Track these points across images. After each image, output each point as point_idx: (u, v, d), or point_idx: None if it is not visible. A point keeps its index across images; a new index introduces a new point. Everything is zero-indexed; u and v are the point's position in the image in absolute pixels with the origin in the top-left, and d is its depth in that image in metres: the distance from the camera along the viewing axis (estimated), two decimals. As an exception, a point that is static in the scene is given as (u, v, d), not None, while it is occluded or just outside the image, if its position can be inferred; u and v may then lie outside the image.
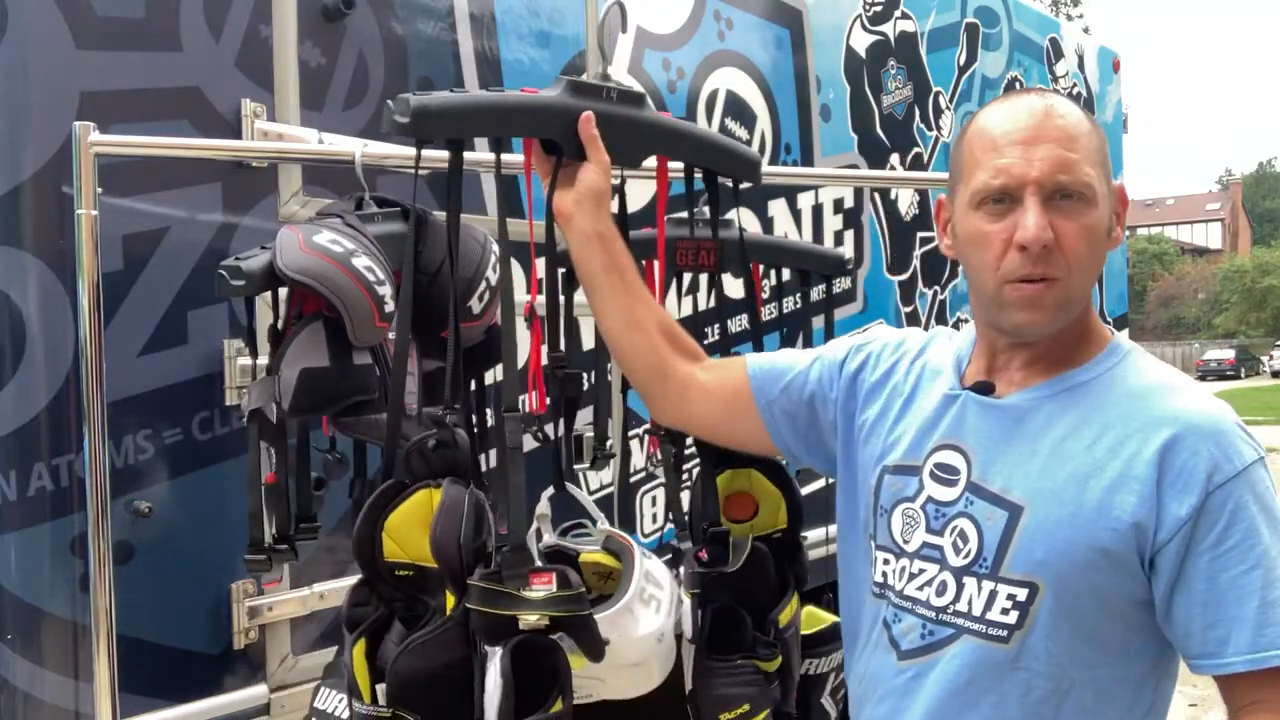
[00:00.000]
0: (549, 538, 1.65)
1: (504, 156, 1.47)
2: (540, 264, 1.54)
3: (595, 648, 1.41)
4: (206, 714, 1.82)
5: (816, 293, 2.19)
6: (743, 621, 1.65)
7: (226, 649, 1.87)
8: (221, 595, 1.87)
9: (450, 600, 1.40)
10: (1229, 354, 37.95)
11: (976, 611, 1.18)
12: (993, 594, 1.17)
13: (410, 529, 1.41)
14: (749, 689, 1.60)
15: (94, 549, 1.55)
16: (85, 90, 1.71)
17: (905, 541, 1.27)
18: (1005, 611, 1.16)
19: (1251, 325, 45.22)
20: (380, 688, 1.40)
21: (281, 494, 1.65)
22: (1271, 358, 38.32)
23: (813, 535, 1.96)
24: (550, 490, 1.70)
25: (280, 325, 1.64)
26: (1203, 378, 35.73)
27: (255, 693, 1.90)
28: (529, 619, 1.33)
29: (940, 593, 1.22)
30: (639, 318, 1.47)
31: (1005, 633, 1.16)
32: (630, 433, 2.35)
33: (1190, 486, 1.11)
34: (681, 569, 1.65)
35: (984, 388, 1.25)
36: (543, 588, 1.36)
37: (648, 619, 1.51)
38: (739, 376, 1.47)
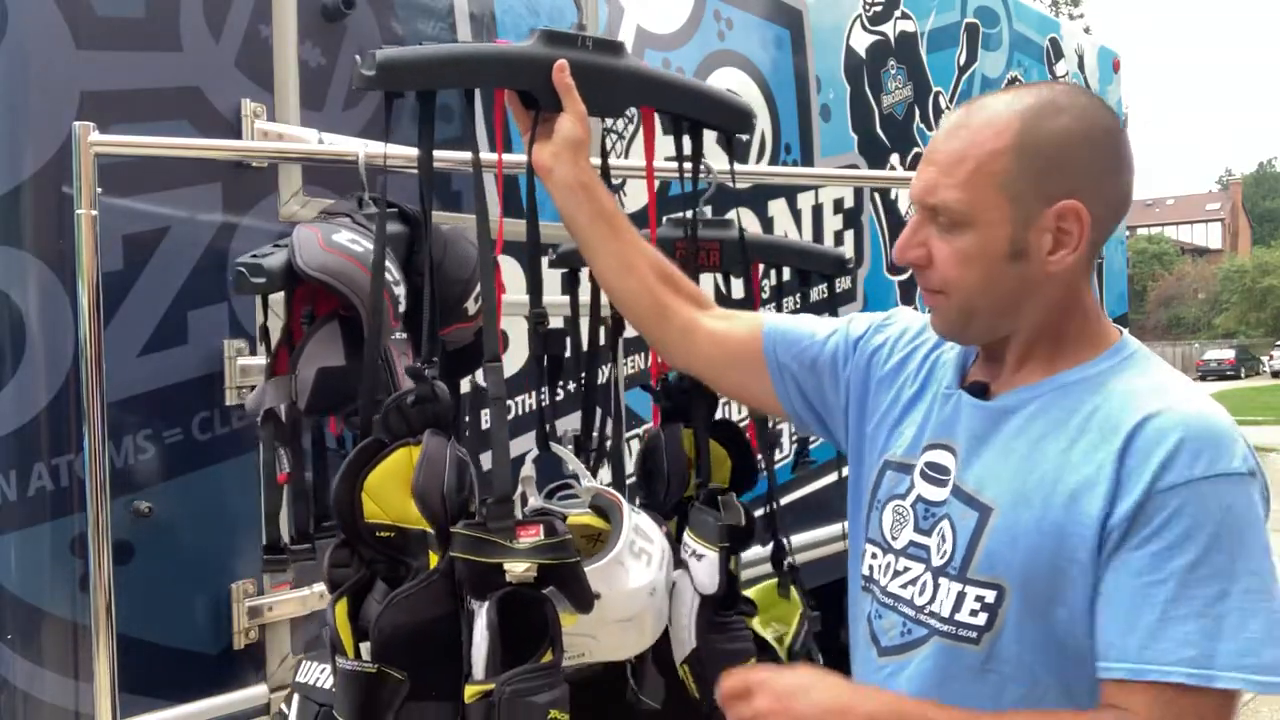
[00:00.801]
0: (534, 501, 1.64)
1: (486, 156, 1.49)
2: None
3: (584, 598, 1.39)
4: (206, 714, 1.82)
5: (817, 293, 2.19)
6: (735, 579, 1.68)
7: (226, 649, 1.87)
8: (221, 595, 1.87)
9: (434, 559, 1.39)
10: (1229, 354, 37.95)
11: (945, 613, 1.18)
12: (961, 595, 1.16)
13: (390, 488, 1.39)
14: (750, 645, 1.65)
15: (94, 549, 1.55)
16: (85, 90, 1.71)
17: (894, 538, 1.26)
18: (974, 613, 1.15)
19: (1251, 325, 45.23)
20: (365, 646, 1.39)
21: (300, 494, 1.65)
22: (1271, 358, 38.32)
23: (811, 536, 1.97)
24: (534, 452, 1.69)
25: (288, 325, 1.64)
26: (1203, 378, 35.77)
27: (255, 693, 1.90)
28: (516, 569, 1.31)
29: (921, 592, 1.21)
30: (631, 262, 1.47)
31: (975, 634, 1.15)
32: (630, 433, 2.35)
33: (1138, 480, 1.06)
34: (691, 526, 1.66)
35: (978, 387, 1.24)
36: (530, 539, 1.34)
37: (639, 571, 1.50)
38: (753, 331, 1.46)
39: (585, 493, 1.67)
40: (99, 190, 1.56)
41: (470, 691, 1.34)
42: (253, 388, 1.89)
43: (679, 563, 1.67)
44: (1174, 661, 1.02)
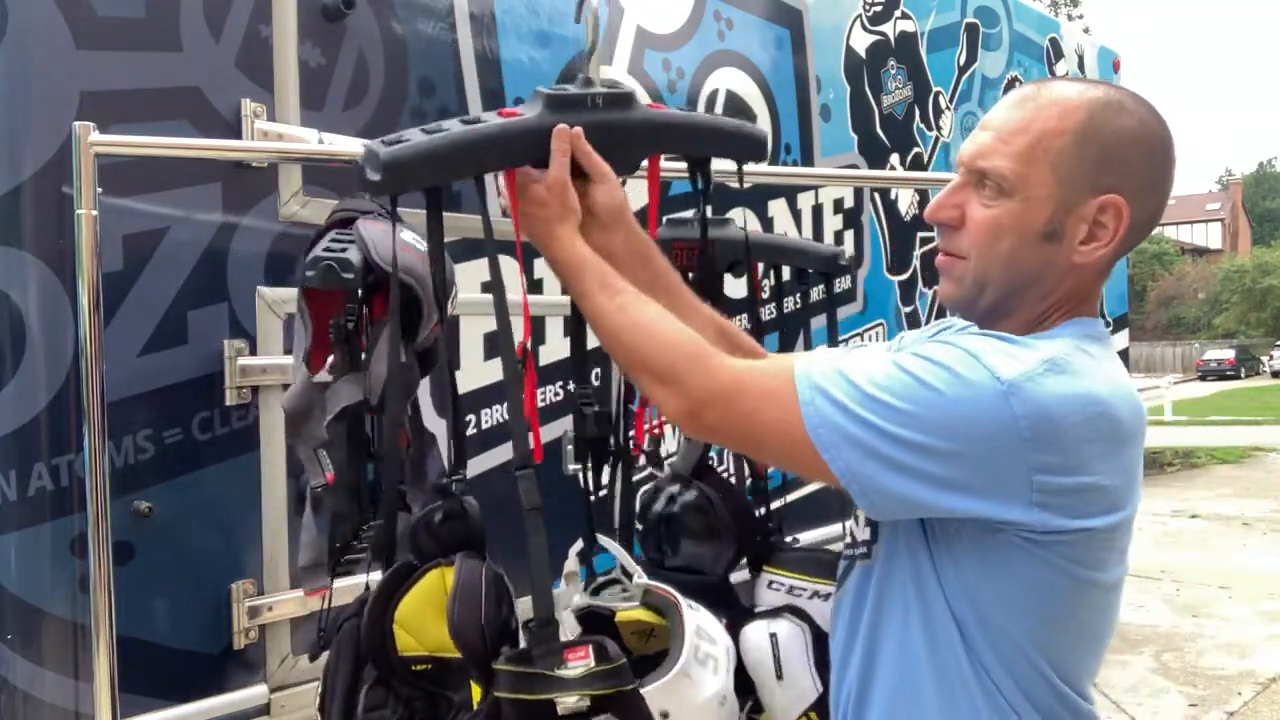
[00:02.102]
0: (579, 598, 1.53)
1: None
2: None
3: None
4: (206, 714, 1.82)
5: (816, 292, 2.18)
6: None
7: (226, 649, 1.87)
8: (221, 595, 1.87)
9: (477, 691, 1.28)
10: (1229, 354, 37.94)
11: (853, 537, 1.32)
12: (857, 517, 1.31)
13: (424, 617, 1.31)
14: None
15: (94, 549, 1.55)
16: (85, 90, 1.71)
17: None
18: (863, 529, 1.29)
19: (1251, 325, 45.20)
20: None
21: (353, 495, 1.62)
22: (1271, 358, 38.30)
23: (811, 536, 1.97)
24: (579, 545, 1.56)
25: (340, 324, 1.58)
26: (1203, 378, 35.81)
27: (255, 693, 1.90)
28: (567, 701, 1.20)
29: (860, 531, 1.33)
30: (690, 324, 1.42)
31: (866, 549, 1.28)
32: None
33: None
34: (788, 566, 1.64)
35: None
36: (579, 663, 1.23)
37: (707, 681, 1.35)
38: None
39: (636, 589, 1.52)
40: (99, 190, 1.56)
41: None
42: (253, 388, 1.90)
43: (782, 609, 1.61)
44: (805, 358, 1.19)
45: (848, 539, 1.35)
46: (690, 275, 1.70)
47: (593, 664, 1.23)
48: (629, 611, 1.49)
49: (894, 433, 1.08)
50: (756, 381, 1.17)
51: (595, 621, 1.48)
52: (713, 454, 1.84)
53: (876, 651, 1.24)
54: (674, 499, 1.77)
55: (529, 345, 1.42)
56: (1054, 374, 1.09)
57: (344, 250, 1.53)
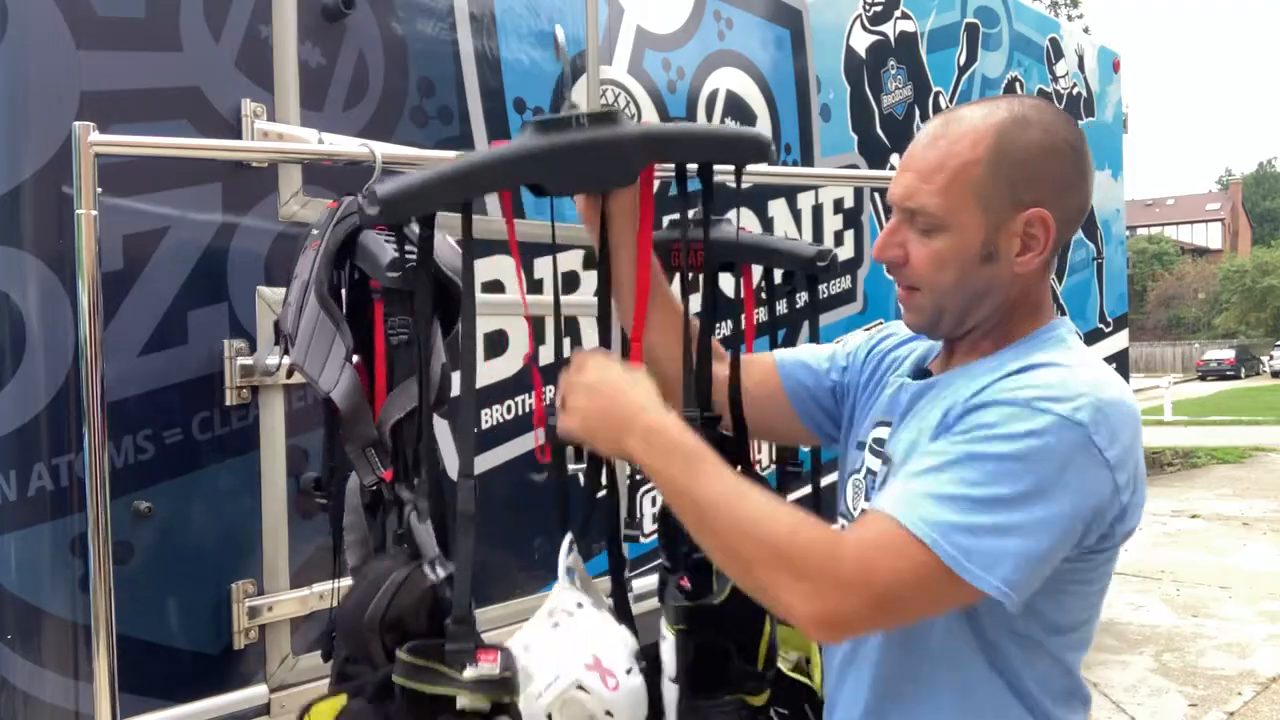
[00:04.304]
0: (576, 595, 1.47)
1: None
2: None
3: None
4: (206, 714, 1.82)
5: (809, 294, 2.15)
6: (728, 655, 1.52)
7: (226, 649, 1.87)
8: (221, 595, 1.87)
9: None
10: (1229, 354, 37.95)
11: None
12: None
13: None
14: None
15: (94, 549, 1.55)
16: (85, 90, 1.71)
17: (854, 508, 1.39)
18: None
19: (1251, 325, 45.23)
20: None
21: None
22: (1271, 358, 38.30)
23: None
24: (569, 538, 1.48)
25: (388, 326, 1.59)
26: (1203, 378, 35.81)
27: (255, 693, 1.90)
28: (464, 699, 1.28)
29: None
30: (668, 319, 1.48)
31: None
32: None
33: (979, 394, 1.16)
34: (664, 601, 1.54)
35: (920, 373, 1.36)
36: (488, 665, 1.29)
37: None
38: (765, 367, 1.55)
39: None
40: (99, 190, 1.56)
41: None
42: (253, 388, 1.90)
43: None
44: (895, 501, 1.11)
45: None
46: (688, 275, 1.70)
47: (497, 670, 1.28)
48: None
49: (1024, 521, 1.08)
50: (872, 547, 1.09)
51: None
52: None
53: (887, 657, 1.26)
54: None
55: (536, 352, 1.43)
56: (1101, 392, 1.13)
57: (412, 253, 1.54)
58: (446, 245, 1.60)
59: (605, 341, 1.48)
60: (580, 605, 1.44)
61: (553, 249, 1.57)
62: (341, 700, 1.40)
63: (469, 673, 1.28)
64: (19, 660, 1.65)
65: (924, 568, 1.07)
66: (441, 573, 1.38)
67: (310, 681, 1.94)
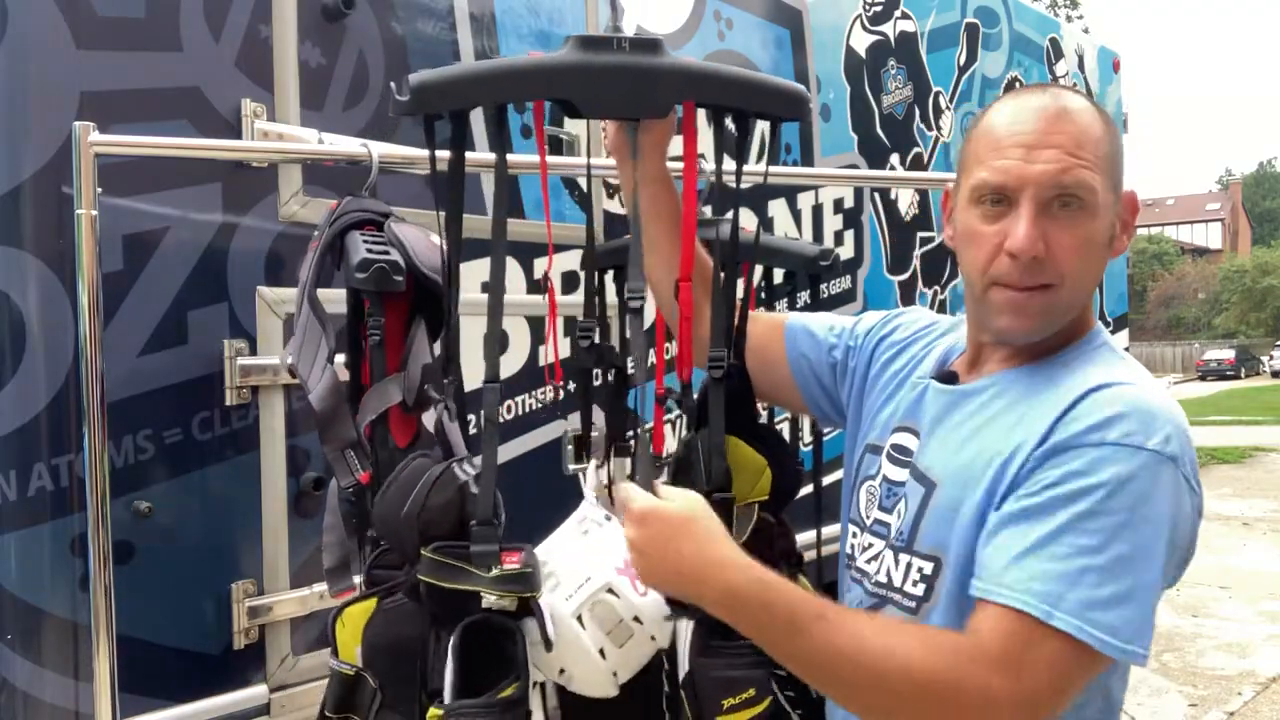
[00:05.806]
0: (597, 511, 1.54)
1: (507, 156, 1.43)
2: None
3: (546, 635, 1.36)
4: (206, 714, 1.82)
5: (812, 293, 2.15)
6: None
7: (226, 649, 1.87)
8: (221, 595, 1.87)
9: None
10: (1229, 354, 37.94)
11: (897, 582, 1.22)
12: (908, 566, 1.21)
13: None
14: (754, 671, 1.42)
15: (94, 549, 1.55)
16: (85, 90, 1.71)
17: (866, 516, 1.32)
18: (915, 584, 1.19)
19: (1251, 325, 45.23)
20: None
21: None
22: (1271, 358, 38.30)
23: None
24: (594, 463, 1.59)
25: (373, 327, 1.60)
26: (1203, 378, 35.79)
27: (255, 693, 1.90)
28: (490, 597, 1.30)
29: (880, 566, 1.26)
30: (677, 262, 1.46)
31: (914, 604, 1.19)
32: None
33: (1059, 434, 1.08)
34: None
35: (946, 376, 1.29)
36: (512, 566, 1.31)
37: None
38: (774, 328, 1.51)
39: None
40: (99, 190, 1.56)
41: (430, 714, 1.33)
42: (253, 388, 1.90)
43: None
44: (1023, 589, 1.03)
45: (879, 577, 1.26)
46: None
47: (518, 565, 1.31)
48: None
49: (1149, 579, 1.04)
50: (1018, 661, 1.02)
51: None
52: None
53: None
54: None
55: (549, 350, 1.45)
56: (1175, 415, 1.09)
57: (386, 253, 1.54)
58: (425, 243, 1.58)
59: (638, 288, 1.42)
60: (609, 518, 1.49)
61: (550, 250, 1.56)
62: (372, 604, 1.42)
63: (498, 570, 1.30)
64: (19, 660, 1.65)
65: (1078, 660, 1.01)
66: (471, 471, 1.39)
67: (311, 681, 1.94)
